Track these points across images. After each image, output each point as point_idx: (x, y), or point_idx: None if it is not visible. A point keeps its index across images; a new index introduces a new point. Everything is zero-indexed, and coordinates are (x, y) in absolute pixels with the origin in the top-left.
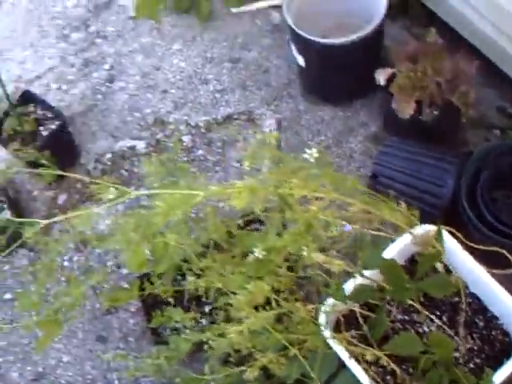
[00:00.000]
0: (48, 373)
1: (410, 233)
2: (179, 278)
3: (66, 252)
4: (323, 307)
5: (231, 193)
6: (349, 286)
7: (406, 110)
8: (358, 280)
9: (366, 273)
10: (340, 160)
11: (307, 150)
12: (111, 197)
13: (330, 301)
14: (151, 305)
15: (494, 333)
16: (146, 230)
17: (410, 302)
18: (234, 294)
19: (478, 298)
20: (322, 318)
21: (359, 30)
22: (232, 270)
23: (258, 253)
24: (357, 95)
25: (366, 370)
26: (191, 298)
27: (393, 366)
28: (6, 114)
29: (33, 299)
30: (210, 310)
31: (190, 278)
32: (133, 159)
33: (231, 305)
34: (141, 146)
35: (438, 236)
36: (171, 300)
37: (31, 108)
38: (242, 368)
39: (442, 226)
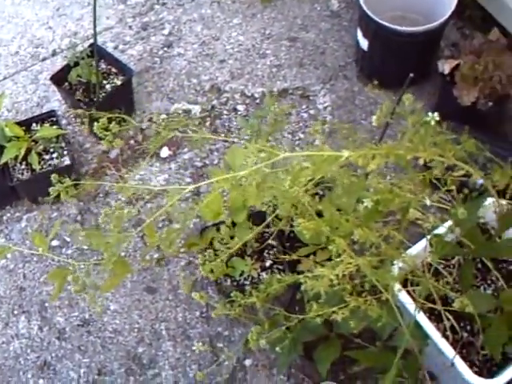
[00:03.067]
0: (94, 319)
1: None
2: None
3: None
4: (397, 261)
5: (373, 154)
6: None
7: (466, 97)
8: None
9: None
10: (392, 141)
11: (429, 114)
12: (164, 155)
13: (410, 251)
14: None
15: None
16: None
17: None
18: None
19: None
20: (394, 270)
21: (417, 24)
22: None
23: (367, 202)
24: (411, 82)
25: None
26: (254, 252)
27: (453, 322)
28: (76, 63)
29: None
30: (271, 264)
31: (300, 220)
32: (187, 122)
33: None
34: (196, 110)
35: None
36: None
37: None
38: (333, 309)
39: None
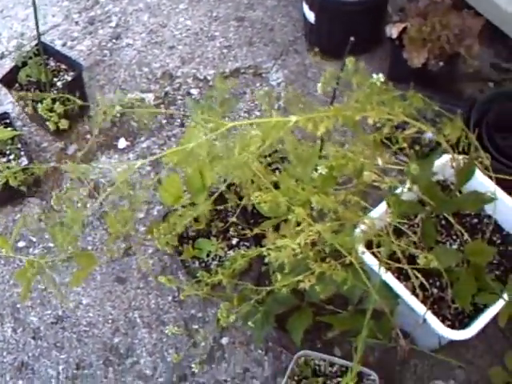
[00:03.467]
0: (68, 315)
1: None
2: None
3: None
4: (359, 225)
5: (320, 118)
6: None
7: (416, 59)
8: (405, 194)
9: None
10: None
11: (374, 75)
12: (122, 146)
13: (371, 213)
14: (178, 240)
15: (510, 248)
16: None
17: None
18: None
19: (493, 219)
20: (356, 234)
21: None
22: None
23: (322, 169)
24: (361, 50)
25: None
26: (219, 232)
27: (422, 279)
28: (24, 63)
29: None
30: (238, 242)
31: (257, 193)
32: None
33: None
34: (149, 98)
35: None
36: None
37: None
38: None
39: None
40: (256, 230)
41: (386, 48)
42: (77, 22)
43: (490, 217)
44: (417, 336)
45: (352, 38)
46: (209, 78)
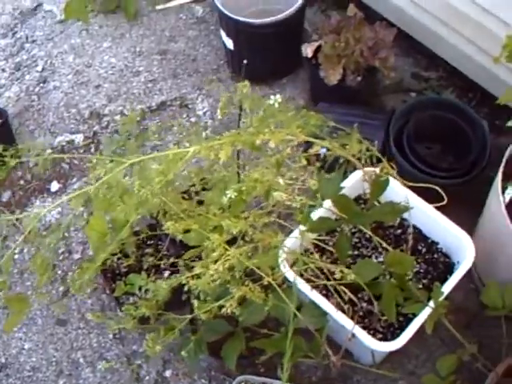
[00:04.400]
0: (11, 362)
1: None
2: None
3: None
4: (283, 245)
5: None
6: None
7: (332, 76)
8: (319, 212)
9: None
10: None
11: (272, 97)
12: (54, 189)
13: (294, 233)
14: (111, 278)
15: (436, 256)
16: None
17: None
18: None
19: (418, 228)
20: (280, 254)
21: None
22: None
23: (231, 193)
24: (283, 73)
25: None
26: (150, 266)
27: (349, 294)
28: None
29: None
30: (169, 274)
31: (169, 223)
32: (73, 152)
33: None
34: (79, 139)
35: (383, 170)
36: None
37: None
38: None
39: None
40: (180, 261)
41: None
42: (3, 69)
43: (412, 227)
44: (355, 351)
45: (245, 61)
46: (135, 113)
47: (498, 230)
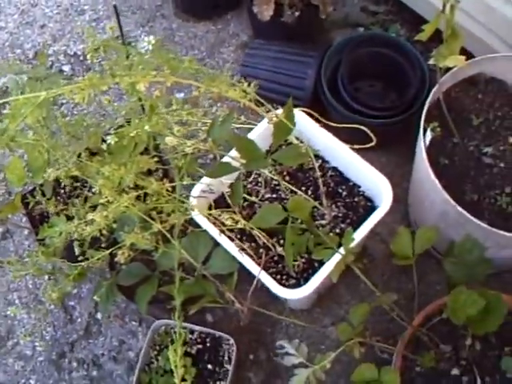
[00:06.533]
0: None
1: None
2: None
3: None
4: (194, 189)
5: (74, 89)
6: None
7: (266, 12)
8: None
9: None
10: (214, 70)
11: (145, 38)
12: None
13: (205, 179)
14: (39, 220)
15: (356, 199)
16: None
17: (274, 178)
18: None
19: (339, 171)
20: (192, 200)
21: None
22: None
23: (111, 139)
24: (226, 9)
25: (238, 246)
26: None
27: (261, 236)
28: None
29: None
30: None
31: (49, 170)
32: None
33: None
34: (24, 80)
35: (287, 113)
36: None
37: None
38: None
39: (300, 109)
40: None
41: None
42: None
43: (334, 169)
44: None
45: (114, 3)
46: (79, 53)
47: (422, 174)
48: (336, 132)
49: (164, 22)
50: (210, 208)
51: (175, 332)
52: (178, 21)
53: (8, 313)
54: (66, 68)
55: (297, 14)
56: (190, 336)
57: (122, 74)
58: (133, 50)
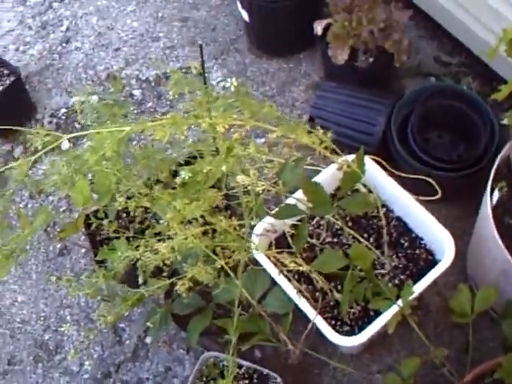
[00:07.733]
0: (4, 312)
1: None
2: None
3: (21, 200)
4: (256, 227)
5: (155, 126)
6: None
7: (340, 56)
8: (287, 200)
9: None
10: (283, 108)
11: (228, 79)
12: (65, 148)
13: (268, 219)
14: (99, 241)
15: (418, 252)
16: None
17: (337, 223)
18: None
19: (403, 221)
20: (254, 238)
21: None
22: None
23: (185, 174)
24: (299, 48)
25: (296, 288)
26: (137, 232)
27: (319, 280)
28: None
29: None
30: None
31: (120, 199)
32: (87, 113)
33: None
34: (94, 100)
35: (359, 160)
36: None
37: None
38: (173, 279)
39: (369, 156)
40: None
41: None
42: (30, 27)
43: (398, 218)
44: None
45: (200, 42)
46: (151, 78)
47: (485, 232)
48: (400, 181)
49: (237, 55)
50: (270, 246)
51: (224, 365)
52: (252, 56)
53: (60, 328)
54: (137, 92)
55: (371, 59)
56: (238, 370)
57: (203, 115)
58: (215, 92)
